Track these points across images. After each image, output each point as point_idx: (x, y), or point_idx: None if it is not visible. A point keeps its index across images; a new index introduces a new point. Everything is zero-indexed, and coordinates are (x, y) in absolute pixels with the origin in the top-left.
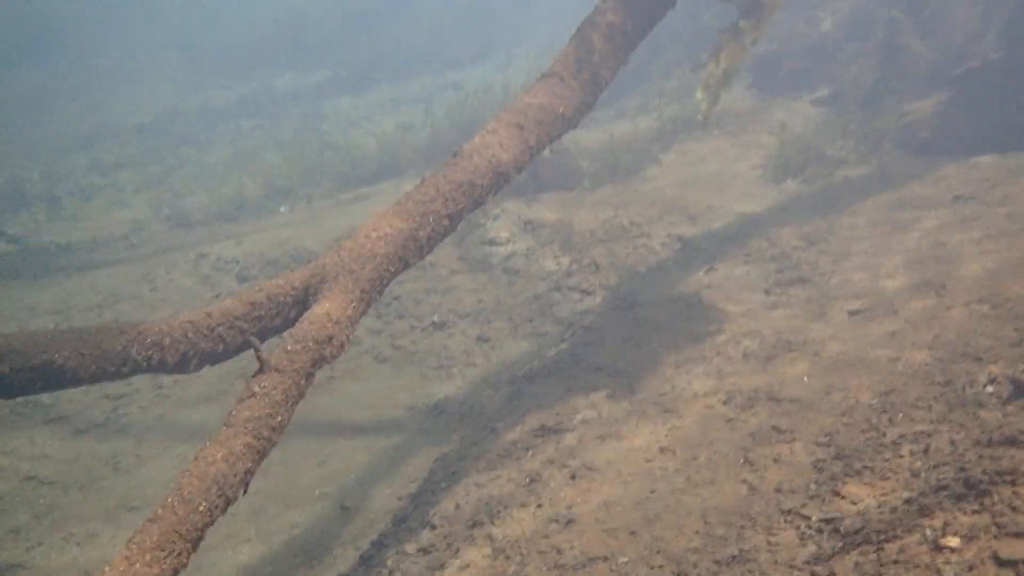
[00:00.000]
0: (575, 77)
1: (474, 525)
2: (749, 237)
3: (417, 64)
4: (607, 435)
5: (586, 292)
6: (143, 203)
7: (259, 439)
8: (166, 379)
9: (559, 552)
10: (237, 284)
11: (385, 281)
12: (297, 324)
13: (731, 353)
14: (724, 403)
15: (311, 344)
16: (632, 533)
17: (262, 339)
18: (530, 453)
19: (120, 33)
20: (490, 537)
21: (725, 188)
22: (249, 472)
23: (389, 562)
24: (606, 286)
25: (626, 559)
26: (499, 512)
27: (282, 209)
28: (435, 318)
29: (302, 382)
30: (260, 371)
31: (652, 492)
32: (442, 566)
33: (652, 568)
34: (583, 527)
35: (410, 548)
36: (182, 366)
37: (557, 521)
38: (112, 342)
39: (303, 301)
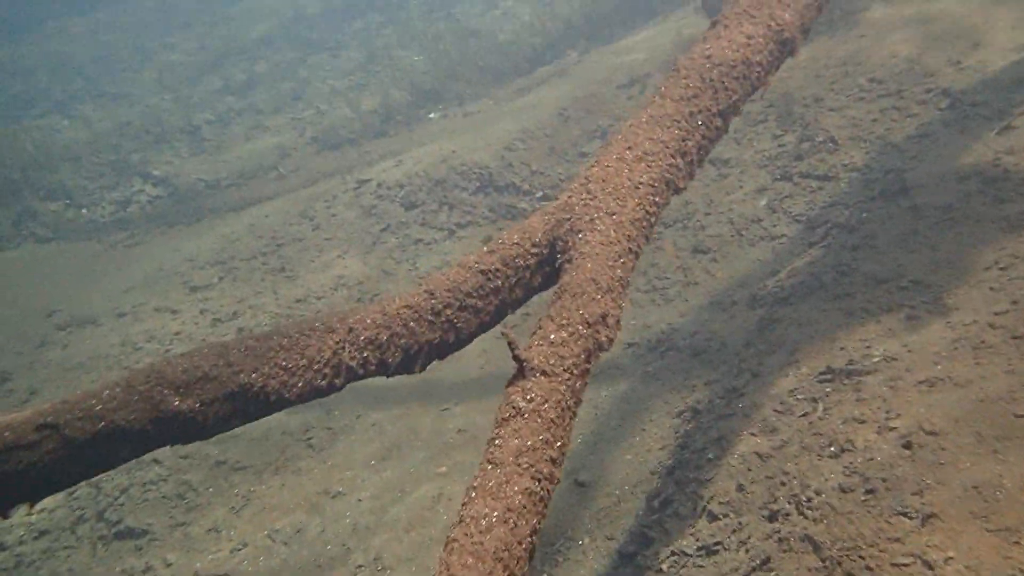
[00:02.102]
0: None
1: (774, 516)
2: None
3: None
4: (934, 378)
5: (826, 177)
6: (284, 124)
7: (539, 480)
8: None
9: (929, 566)
10: (404, 212)
11: (654, 219)
12: (556, 299)
13: None
14: None
15: (581, 329)
16: None
17: (499, 318)
18: (821, 407)
19: None
20: (809, 539)
21: (991, 18)
22: (535, 532)
23: (664, 566)
24: (852, 167)
25: None
26: (809, 498)
27: (432, 116)
28: None
29: (577, 385)
30: (519, 375)
31: None
32: None
33: None
34: (953, 524)
35: (688, 546)
36: (406, 366)
37: (906, 515)
38: (320, 347)
39: (549, 261)
